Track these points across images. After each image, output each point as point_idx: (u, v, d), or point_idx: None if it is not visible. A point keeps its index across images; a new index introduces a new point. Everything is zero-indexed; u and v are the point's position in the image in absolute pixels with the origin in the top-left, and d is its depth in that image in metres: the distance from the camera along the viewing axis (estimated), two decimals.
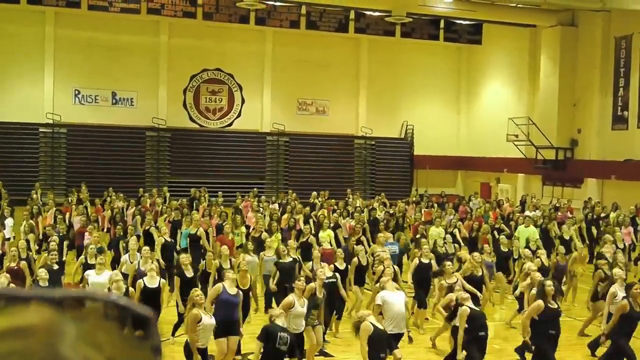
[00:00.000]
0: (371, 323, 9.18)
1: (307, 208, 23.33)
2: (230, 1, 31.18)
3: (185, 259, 12.78)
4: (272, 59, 36.74)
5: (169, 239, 16.89)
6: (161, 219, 20.67)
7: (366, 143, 37.63)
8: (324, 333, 12.14)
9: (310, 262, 14.97)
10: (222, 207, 22.96)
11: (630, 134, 29.75)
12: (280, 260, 13.76)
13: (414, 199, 29.16)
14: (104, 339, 0.80)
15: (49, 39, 33.52)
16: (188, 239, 17.37)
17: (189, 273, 12.54)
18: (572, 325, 13.56)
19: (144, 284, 11.50)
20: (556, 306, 10.23)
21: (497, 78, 37.46)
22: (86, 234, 17.03)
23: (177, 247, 17.56)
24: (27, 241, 16.62)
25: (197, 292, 9.91)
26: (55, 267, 13.04)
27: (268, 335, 9.07)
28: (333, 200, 26.07)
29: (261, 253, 15.04)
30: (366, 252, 15.52)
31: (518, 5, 31.33)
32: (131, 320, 0.82)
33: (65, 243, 17.11)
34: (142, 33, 34.57)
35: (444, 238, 17.88)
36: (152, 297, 11.08)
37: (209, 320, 9.73)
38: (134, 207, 22.29)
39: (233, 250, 16.81)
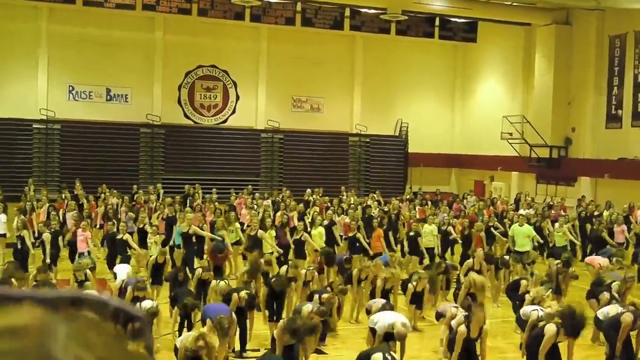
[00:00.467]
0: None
1: (301, 205, 23.36)
2: None
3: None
4: (267, 56, 36.71)
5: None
6: (155, 216, 20.65)
7: (361, 140, 37.63)
8: (326, 331, 12.22)
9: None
10: (216, 203, 22.95)
11: (624, 132, 29.81)
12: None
13: (408, 196, 29.18)
14: (96, 339, 0.80)
15: (43, 35, 33.42)
16: (181, 237, 17.38)
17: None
18: None
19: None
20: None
21: (492, 76, 37.50)
22: (79, 230, 17.00)
23: (172, 242, 17.60)
24: (21, 237, 16.62)
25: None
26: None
27: None
28: (327, 198, 26.08)
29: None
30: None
31: (513, 4, 31.38)
32: (123, 321, 0.82)
33: (60, 238, 17.10)
34: (136, 29, 34.50)
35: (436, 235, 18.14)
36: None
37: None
38: (126, 205, 22.28)
39: (229, 257, 16.84)
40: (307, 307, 11.21)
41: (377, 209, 23.82)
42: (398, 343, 10.21)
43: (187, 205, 23.35)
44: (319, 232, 18.38)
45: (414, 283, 13.35)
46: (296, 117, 37.13)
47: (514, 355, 11.94)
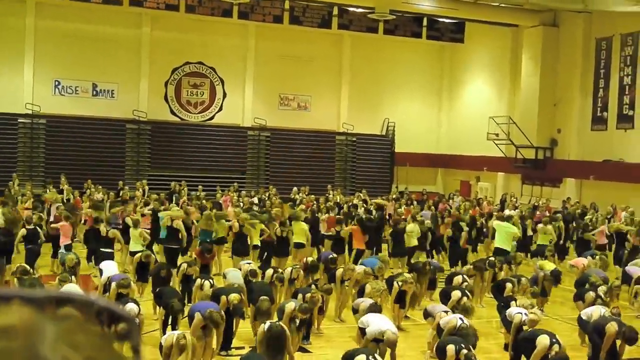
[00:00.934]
0: None
1: (289, 203, 23.42)
2: None
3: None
4: (254, 54, 36.65)
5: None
6: (139, 212, 20.59)
7: (347, 139, 37.64)
8: (310, 329, 12.24)
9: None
10: (203, 201, 22.95)
11: (609, 134, 29.99)
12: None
13: (394, 196, 29.26)
14: (84, 339, 0.79)
15: (30, 30, 33.21)
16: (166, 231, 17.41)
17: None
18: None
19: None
20: None
21: (479, 77, 37.61)
22: (61, 224, 16.95)
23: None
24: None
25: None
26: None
27: None
28: (313, 196, 26.10)
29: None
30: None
31: (501, 5, 31.47)
32: (111, 321, 0.82)
33: (42, 233, 17.01)
34: (123, 25, 34.34)
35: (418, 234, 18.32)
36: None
37: None
38: (111, 200, 22.25)
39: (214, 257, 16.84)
40: (290, 305, 11.23)
41: (363, 208, 23.86)
42: (388, 349, 10.22)
43: (174, 202, 23.33)
44: (301, 228, 18.37)
45: (400, 283, 13.36)
46: (283, 115, 37.09)
47: (499, 356, 12.00)
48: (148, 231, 17.98)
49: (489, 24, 33.64)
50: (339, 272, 14.32)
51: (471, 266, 16.10)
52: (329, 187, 30.78)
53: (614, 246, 21.00)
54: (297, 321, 11.08)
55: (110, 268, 13.90)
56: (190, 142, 34.70)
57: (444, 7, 31.41)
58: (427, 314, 12.32)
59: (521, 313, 11.27)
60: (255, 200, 24.92)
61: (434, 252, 20.69)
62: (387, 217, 23.42)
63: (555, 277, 15.30)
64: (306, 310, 11.18)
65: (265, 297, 11.57)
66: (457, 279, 14.37)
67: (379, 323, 10.41)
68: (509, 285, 13.94)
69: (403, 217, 22.19)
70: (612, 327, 10.79)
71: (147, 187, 27.53)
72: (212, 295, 11.79)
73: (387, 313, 12.42)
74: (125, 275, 13.09)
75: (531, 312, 11.27)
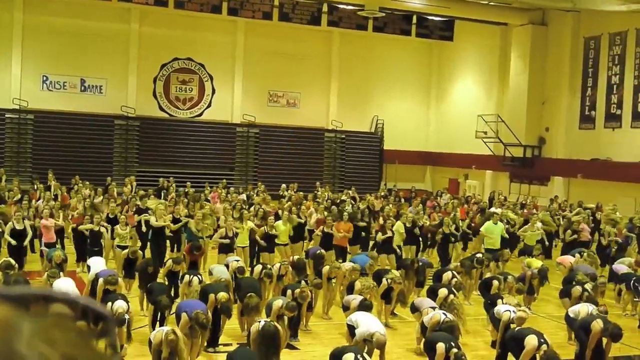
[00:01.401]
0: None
1: (282, 200, 23.38)
2: None
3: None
4: (243, 50, 36.60)
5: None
6: (126, 208, 20.53)
7: (336, 136, 37.68)
8: (297, 326, 12.24)
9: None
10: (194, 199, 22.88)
11: (597, 133, 30.13)
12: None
13: (382, 193, 29.30)
14: (60, 336, 0.79)
15: (17, 24, 33.05)
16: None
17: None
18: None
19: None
20: None
21: (468, 75, 37.70)
22: (47, 220, 16.87)
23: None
24: None
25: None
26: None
27: None
28: (302, 193, 26.08)
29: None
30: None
31: (490, 3, 31.56)
32: (90, 318, 0.81)
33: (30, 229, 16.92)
34: (112, 20, 34.22)
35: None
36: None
37: None
38: (102, 196, 22.18)
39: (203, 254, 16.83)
40: (277, 303, 11.22)
41: (350, 205, 23.86)
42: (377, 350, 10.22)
43: (162, 198, 23.26)
44: (285, 229, 18.35)
45: (388, 280, 13.37)
46: (272, 111, 37.08)
47: (486, 353, 12.03)
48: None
49: (478, 22, 33.73)
50: (325, 269, 14.32)
51: (458, 264, 16.15)
52: (318, 184, 30.78)
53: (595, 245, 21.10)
54: (285, 319, 11.08)
55: (97, 264, 13.85)
56: (179, 138, 34.65)
57: (434, 5, 31.45)
58: (414, 309, 12.34)
59: (509, 311, 11.31)
60: (244, 196, 24.91)
61: (422, 247, 20.74)
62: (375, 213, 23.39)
63: (543, 275, 15.37)
64: (293, 308, 11.18)
65: (252, 293, 11.57)
66: (447, 275, 14.41)
67: (368, 324, 10.38)
68: (495, 282, 13.99)
69: (391, 214, 22.20)
70: (597, 324, 10.85)
71: (135, 184, 27.42)
72: (200, 292, 11.77)
73: (375, 309, 12.45)
74: (112, 272, 13.04)
75: (520, 310, 11.31)
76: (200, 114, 36.43)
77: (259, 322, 10.04)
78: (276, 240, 17.95)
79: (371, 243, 20.50)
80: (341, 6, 33.09)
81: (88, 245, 16.53)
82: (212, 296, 11.34)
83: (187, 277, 13.06)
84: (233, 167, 35.74)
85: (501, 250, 17.86)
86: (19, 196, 21.48)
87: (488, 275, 15.64)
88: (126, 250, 15.08)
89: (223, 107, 36.38)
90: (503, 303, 12.13)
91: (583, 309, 11.80)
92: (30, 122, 32.86)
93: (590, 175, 29.19)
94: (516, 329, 10.63)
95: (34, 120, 32.87)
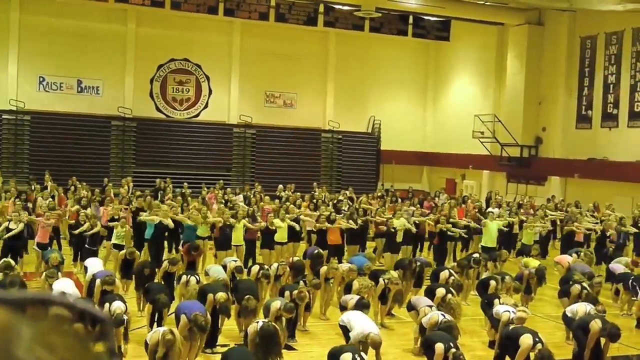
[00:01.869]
0: None
1: (276, 201, 23.39)
2: None
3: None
4: (240, 51, 36.58)
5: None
6: (120, 207, 20.50)
7: (333, 137, 37.67)
8: (295, 327, 12.23)
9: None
10: (189, 198, 22.89)
11: (594, 133, 30.15)
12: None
13: (379, 193, 29.30)
14: (58, 340, 0.79)
15: (14, 25, 32.99)
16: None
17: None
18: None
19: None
20: None
21: (464, 75, 37.71)
22: (43, 221, 16.85)
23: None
24: None
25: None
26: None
27: None
28: (299, 194, 26.08)
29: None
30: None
31: (486, 3, 31.56)
32: (88, 322, 0.81)
33: (25, 230, 16.89)
34: (109, 21, 34.18)
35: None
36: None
37: None
38: (96, 197, 22.14)
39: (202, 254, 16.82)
40: (276, 304, 11.21)
41: (348, 206, 23.88)
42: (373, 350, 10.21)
43: (159, 199, 23.25)
44: (285, 225, 18.34)
45: (385, 281, 13.37)
46: (269, 112, 37.05)
47: (483, 354, 12.03)
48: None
49: (474, 22, 33.73)
50: (323, 269, 14.32)
51: (455, 264, 16.17)
52: (315, 185, 30.77)
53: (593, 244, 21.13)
54: (283, 320, 11.08)
55: (94, 265, 13.84)
56: (176, 139, 34.62)
57: (430, 5, 31.44)
58: (411, 307, 12.33)
59: (509, 311, 11.31)
60: (241, 197, 24.90)
61: (419, 247, 20.76)
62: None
63: (541, 275, 15.37)
64: (291, 309, 11.17)
65: (250, 295, 11.55)
66: (444, 274, 14.41)
67: (362, 325, 10.33)
68: (492, 282, 13.99)
69: (388, 215, 22.21)
70: (595, 324, 10.86)
71: (132, 184, 27.41)
72: (198, 292, 11.76)
73: (372, 309, 12.46)
74: (109, 272, 13.04)
75: (519, 310, 11.32)
76: (197, 115, 36.39)
77: (257, 322, 10.03)
78: (275, 239, 17.96)
79: (369, 244, 20.53)
80: (337, 7, 33.06)
81: (86, 245, 16.51)
82: (210, 296, 11.34)
83: (184, 277, 13.05)
84: (230, 167, 35.70)
85: (499, 251, 17.90)
86: (15, 197, 21.45)
87: (485, 275, 15.65)
88: (123, 251, 15.08)
89: (220, 108, 36.35)
90: (500, 303, 12.12)
91: (581, 308, 11.80)
92: (27, 123, 32.80)
93: (587, 174, 29.21)
94: (511, 328, 10.62)
95: (31, 121, 32.82)
